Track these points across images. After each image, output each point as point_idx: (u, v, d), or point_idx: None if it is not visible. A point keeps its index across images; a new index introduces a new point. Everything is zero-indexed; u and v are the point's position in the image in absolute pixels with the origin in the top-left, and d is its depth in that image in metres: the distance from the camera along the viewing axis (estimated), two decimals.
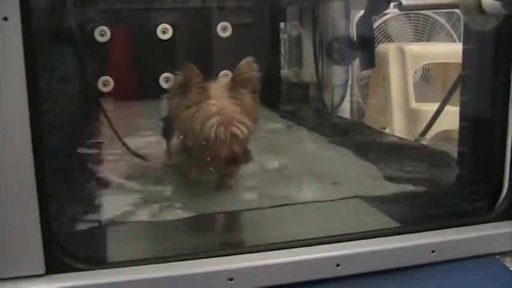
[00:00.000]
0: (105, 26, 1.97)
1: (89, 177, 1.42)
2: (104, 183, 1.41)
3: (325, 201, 1.30)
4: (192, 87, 1.23)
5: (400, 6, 1.16)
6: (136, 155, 1.58)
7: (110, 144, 1.63)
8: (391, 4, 2.06)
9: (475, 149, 1.34)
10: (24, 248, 0.91)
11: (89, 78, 1.55)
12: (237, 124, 1.19)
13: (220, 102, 1.22)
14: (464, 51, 1.33)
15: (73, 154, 1.51)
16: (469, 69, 1.34)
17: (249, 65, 1.26)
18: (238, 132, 1.19)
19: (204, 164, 1.25)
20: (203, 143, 1.21)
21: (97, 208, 1.25)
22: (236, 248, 1.09)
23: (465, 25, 1.32)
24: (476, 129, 1.33)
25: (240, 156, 1.19)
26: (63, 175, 1.29)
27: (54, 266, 0.93)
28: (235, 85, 1.26)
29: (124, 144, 1.59)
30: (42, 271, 0.92)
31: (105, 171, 1.48)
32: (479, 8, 1.08)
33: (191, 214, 1.24)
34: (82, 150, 1.57)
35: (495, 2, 1.05)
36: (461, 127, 1.36)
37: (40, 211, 0.90)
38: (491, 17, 1.10)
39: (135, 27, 2.21)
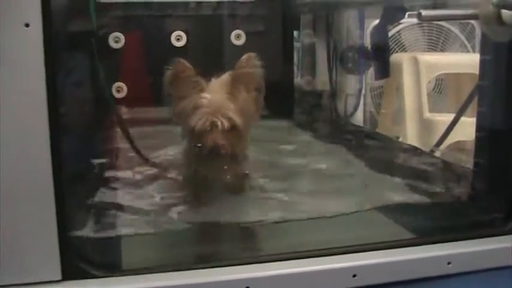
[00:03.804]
0: (120, 32, 1.98)
1: (106, 183, 1.42)
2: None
3: (341, 214, 1.29)
4: (185, 81, 1.22)
5: (419, 16, 1.16)
6: (148, 160, 1.58)
7: (127, 150, 1.62)
8: (406, 14, 2.06)
9: (492, 160, 1.33)
10: (41, 254, 0.91)
11: (104, 84, 1.54)
12: (219, 117, 1.18)
13: (213, 95, 1.21)
14: (481, 61, 1.32)
15: (90, 160, 1.51)
16: (486, 80, 1.33)
17: (249, 61, 1.23)
18: (218, 124, 1.18)
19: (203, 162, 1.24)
20: (193, 136, 1.21)
21: (113, 215, 1.25)
22: (253, 256, 1.08)
23: (483, 36, 1.32)
24: (492, 140, 1.32)
25: (222, 147, 1.18)
26: (80, 181, 1.29)
27: (71, 272, 0.92)
28: (234, 81, 1.24)
29: (134, 148, 1.57)
30: (59, 277, 0.92)
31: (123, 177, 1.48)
32: (499, 19, 1.08)
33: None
34: (99, 155, 1.56)
35: None
36: (477, 138, 1.36)
37: (57, 217, 0.90)
38: (510, 27, 1.10)
39: (149, 34, 2.22)
